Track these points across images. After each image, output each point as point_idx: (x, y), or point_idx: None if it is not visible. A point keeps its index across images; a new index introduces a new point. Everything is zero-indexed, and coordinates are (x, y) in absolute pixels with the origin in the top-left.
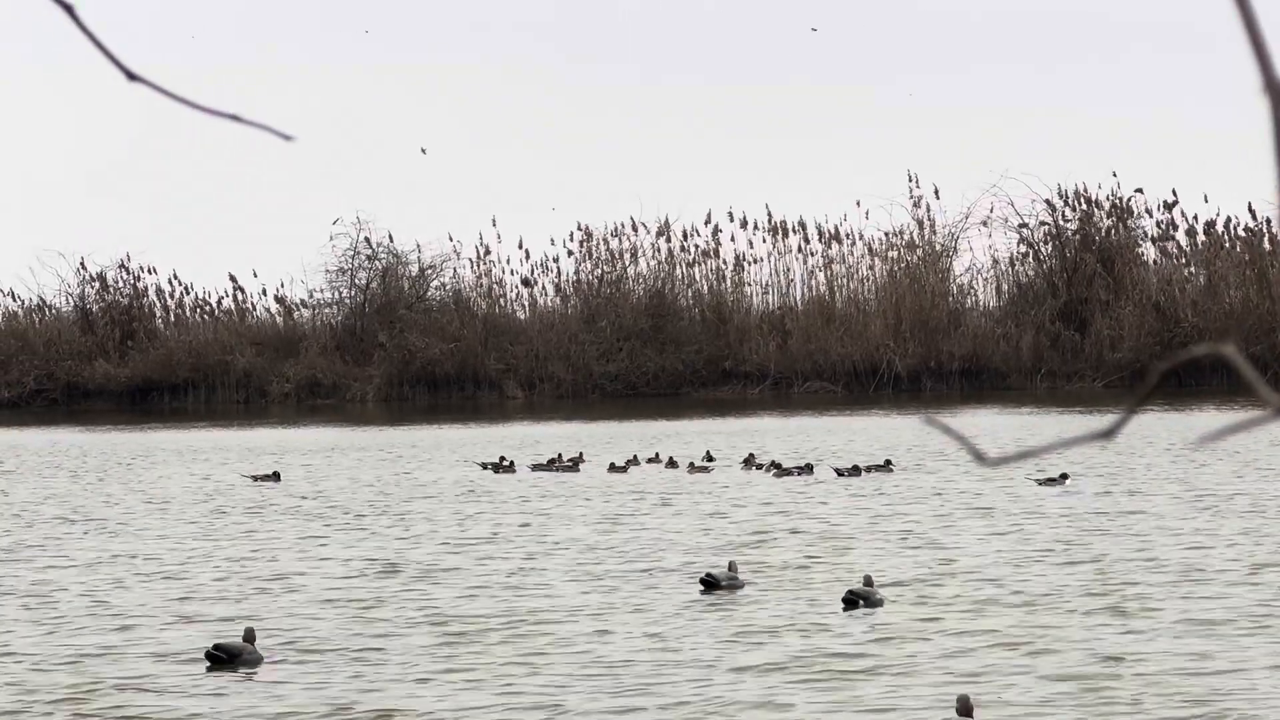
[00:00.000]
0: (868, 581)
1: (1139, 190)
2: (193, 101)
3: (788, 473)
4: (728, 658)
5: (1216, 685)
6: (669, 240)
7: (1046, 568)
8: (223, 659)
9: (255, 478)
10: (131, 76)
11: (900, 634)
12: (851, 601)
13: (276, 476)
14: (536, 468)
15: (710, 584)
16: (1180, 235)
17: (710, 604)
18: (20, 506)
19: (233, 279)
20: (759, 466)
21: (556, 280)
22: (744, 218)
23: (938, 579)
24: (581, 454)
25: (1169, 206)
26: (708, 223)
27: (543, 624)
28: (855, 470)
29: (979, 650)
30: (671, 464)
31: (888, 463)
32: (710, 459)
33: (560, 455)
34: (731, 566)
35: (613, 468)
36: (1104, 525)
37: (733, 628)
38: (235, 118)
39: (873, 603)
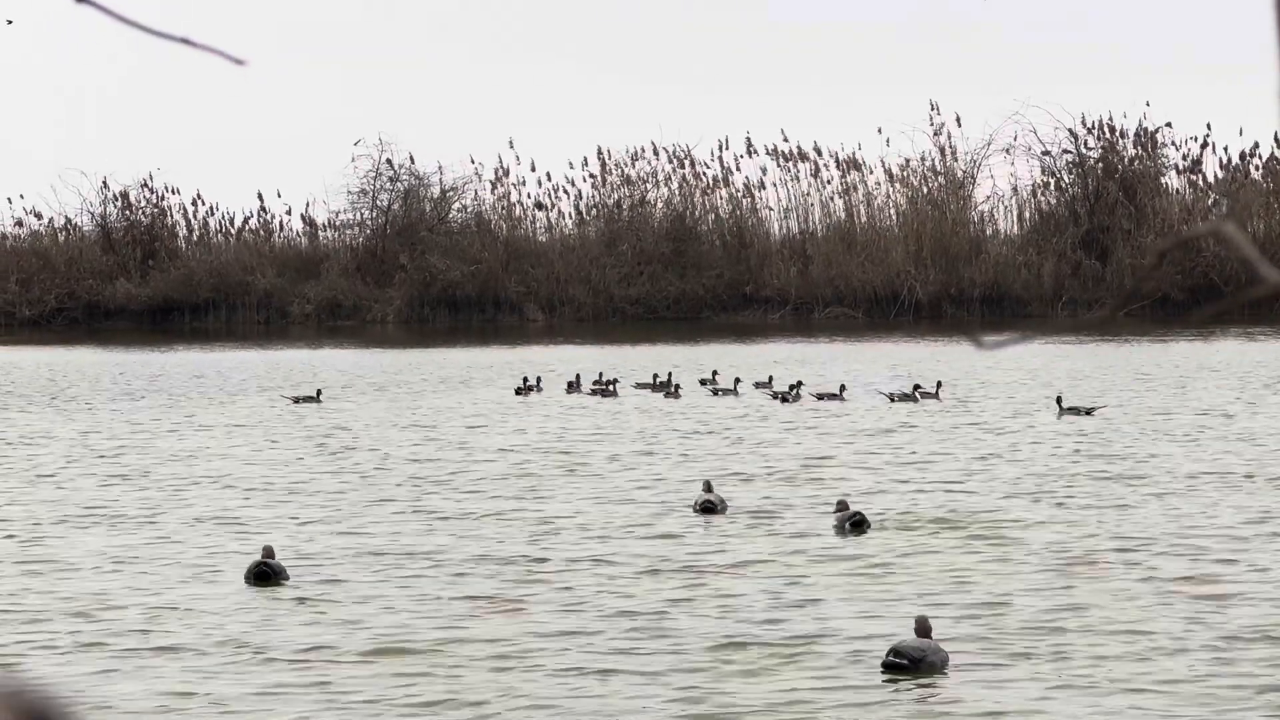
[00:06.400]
0: (843, 506)
1: (1168, 124)
2: (141, 24)
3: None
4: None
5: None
6: (691, 166)
7: (1042, 499)
8: (269, 575)
9: (296, 399)
10: None
11: (883, 556)
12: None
13: (318, 396)
14: (571, 389)
15: (709, 508)
16: (1209, 169)
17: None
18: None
19: (259, 198)
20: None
21: (577, 203)
22: (766, 146)
23: (925, 506)
24: (672, 379)
25: (1203, 143)
26: (725, 149)
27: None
28: (909, 396)
29: (959, 575)
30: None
31: (916, 388)
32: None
33: (656, 378)
34: (708, 488)
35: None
36: (1106, 457)
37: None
38: (186, 41)
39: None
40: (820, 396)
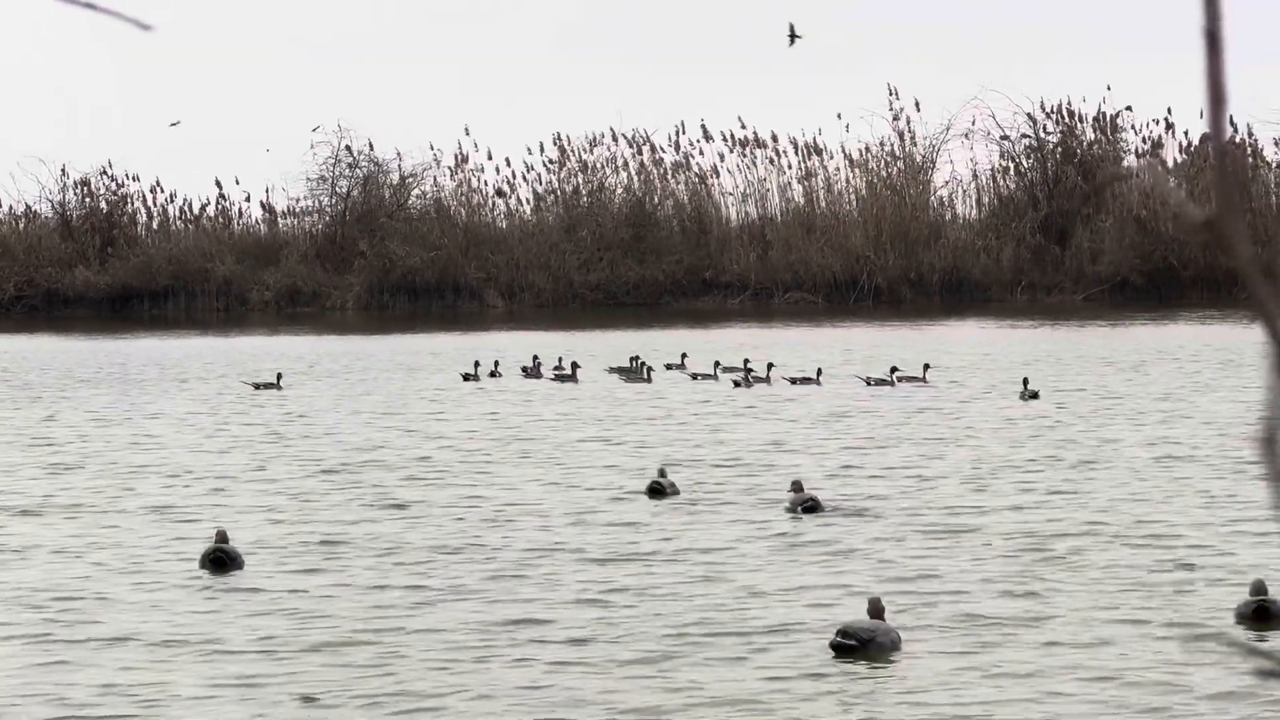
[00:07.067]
0: (797, 486)
1: (1128, 108)
2: None
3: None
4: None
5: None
6: (652, 151)
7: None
8: (225, 561)
9: (256, 385)
10: None
11: (836, 541)
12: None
13: (278, 382)
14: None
15: (656, 491)
16: (1168, 153)
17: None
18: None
19: (218, 185)
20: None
21: (536, 189)
22: (724, 132)
23: (881, 490)
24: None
25: (1168, 126)
26: (683, 133)
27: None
28: (885, 381)
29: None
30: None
31: (893, 370)
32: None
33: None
34: (662, 472)
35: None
36: (1063, 441)
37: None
38: (89, 5)
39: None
40: (795, 380)
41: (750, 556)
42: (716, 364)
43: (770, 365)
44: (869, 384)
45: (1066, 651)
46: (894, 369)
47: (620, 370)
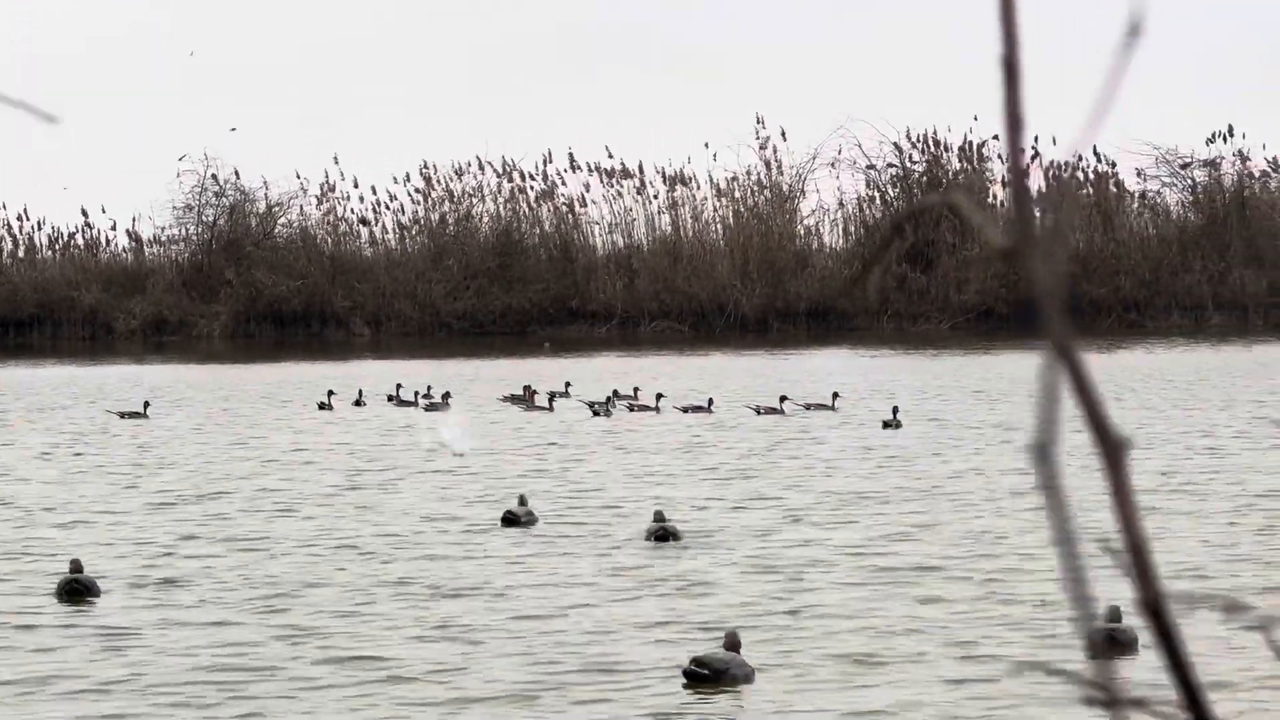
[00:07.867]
0: (659, 517)
1: (995, 137)
2: None
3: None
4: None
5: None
6: (521, 180)
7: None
8: (81, 591)
9: (123, 414)
10: None
11: (693, 571)
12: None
13: (145, 410)
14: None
15: (510, 520)
16: (1033, 182)
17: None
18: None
19: (84, 213)
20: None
21: (398, 218)
22: (590, 163)
23: (745, 520)
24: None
25: (1034, 155)
26: (549, 162)
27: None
28: (774, 409)
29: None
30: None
31: (783, 399)
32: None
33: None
34: (522, 501)
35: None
36: (916, 473)
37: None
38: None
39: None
40: (686, 409)
41: (604, 587)
42: (614, 392)
43: (660, 395)
44: (759, 413)
45: (919, 687)
46: (784, 398)
47: (515, 399)
